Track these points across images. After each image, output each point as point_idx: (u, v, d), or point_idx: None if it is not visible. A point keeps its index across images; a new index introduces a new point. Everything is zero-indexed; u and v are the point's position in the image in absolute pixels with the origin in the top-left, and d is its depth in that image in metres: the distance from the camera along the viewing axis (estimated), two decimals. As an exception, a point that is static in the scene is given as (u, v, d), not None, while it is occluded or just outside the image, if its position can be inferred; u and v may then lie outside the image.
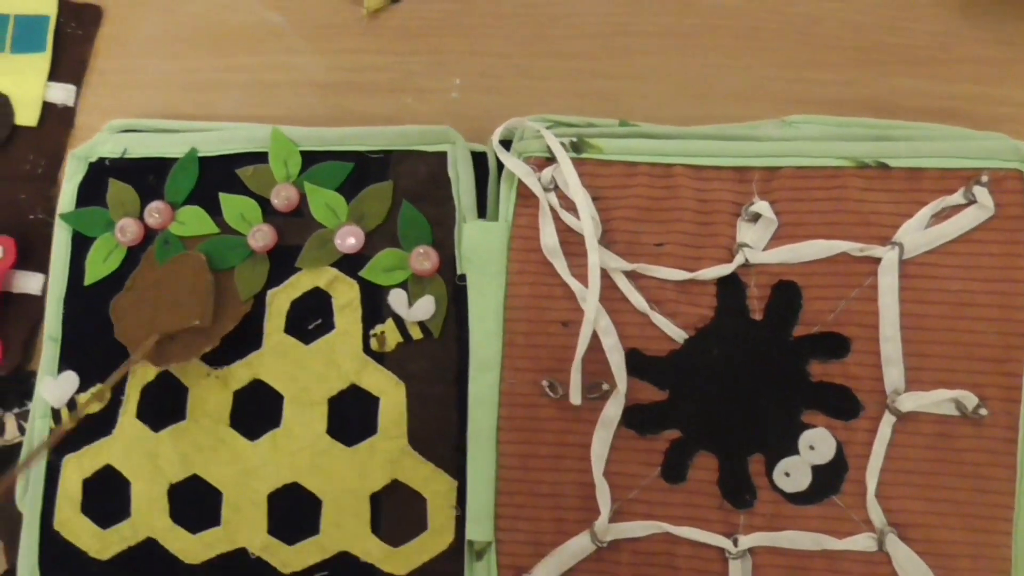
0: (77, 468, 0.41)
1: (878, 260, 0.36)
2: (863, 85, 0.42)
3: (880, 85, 0.42)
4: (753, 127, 0.40)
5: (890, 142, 0.38)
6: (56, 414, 0.42)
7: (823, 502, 0.36)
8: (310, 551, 0.39)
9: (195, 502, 0.40)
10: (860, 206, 0.37)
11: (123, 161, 0.43)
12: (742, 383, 0.37)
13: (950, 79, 0.42)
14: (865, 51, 0.42)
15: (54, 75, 0.47)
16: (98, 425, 0.41)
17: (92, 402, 0.41)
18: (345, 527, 0.39)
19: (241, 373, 0.41)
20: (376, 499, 0.39)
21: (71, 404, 0.42)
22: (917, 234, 0.36)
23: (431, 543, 0.38)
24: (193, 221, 0.42)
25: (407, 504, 0.39)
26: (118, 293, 0.42)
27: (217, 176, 0.42)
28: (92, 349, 0.42)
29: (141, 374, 0.41)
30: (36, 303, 0.45)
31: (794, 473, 0.36)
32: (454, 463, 0.39)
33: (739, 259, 0.37)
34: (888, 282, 0.36)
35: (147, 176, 0.43)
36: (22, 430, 0.43)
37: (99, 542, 0.41)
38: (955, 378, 0.36)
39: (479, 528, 0.38)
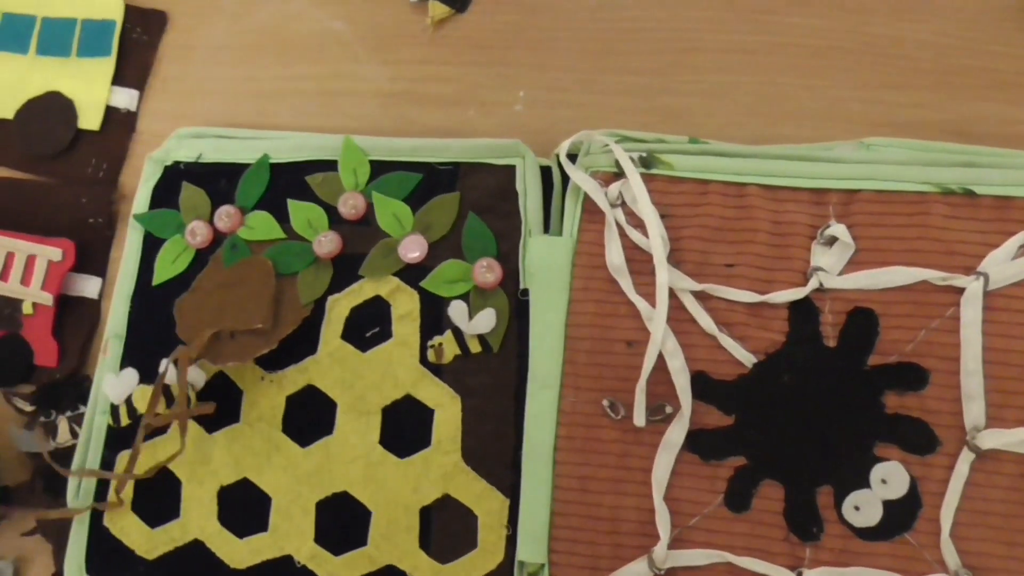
0: (131, 466, 0.41)
1: (961, 290, 0.35)
2: (943, 109, 0.41)
3: (960, 109, 0.41)
4: (829, 148, 0.39)
5: (977, 168, 0.36)
6: (115, 411, 0.42)
7: (894, 539, 0.35)
8: (357, 563, 0.39)
9: (244, 506, 0.40)
10: (943, 234, 0.36)
11: (197, 165, 0.44)
12: (813, 411, 0.36)
13: (1035, 105, 0.40)
14: (946, 74, 0.41)
15: (118, 80, 0.48)
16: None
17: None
18: (394, 540, 0.38)
19: (295, 378, 0.41)
20: (426, 513, 0.39)
21: (129, 402, 0.42)
22: (1004, 265, 0.35)
23: (480, 562, 0.38)
24: (261, 226, 0.42)
25: (458, 520, 0.38)
26: (184, 293, 0.42)
27: (287, 183, 0.43)
28: (155, 348, 0.42)
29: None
30: (93, 307, 0.45)
31: (864, 507, 0.35)
32: (507, 481, 0.38)
33: (813, 283, 0.36)
34: (971, 314, 0.35)
35: (219, 181, 0.44)
36: (74, 434, 0.43)
37: (147, 541, 0.40)
38: (1040, 416, 0.34)
39: (532, 549, 0.37)
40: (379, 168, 0.42)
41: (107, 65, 0.48)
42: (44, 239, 0.44)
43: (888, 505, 0.35)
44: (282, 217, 0.42)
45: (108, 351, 0.43)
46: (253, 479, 0.40)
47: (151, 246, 0.44)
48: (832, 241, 0.37)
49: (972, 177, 0.36)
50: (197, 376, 0.41)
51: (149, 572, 0.40)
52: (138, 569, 0.40)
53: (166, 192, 0.44)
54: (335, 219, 0.42)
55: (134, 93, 0.48)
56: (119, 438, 0.42)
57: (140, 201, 0.44)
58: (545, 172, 0.41)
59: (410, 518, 0.38)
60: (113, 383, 0.42)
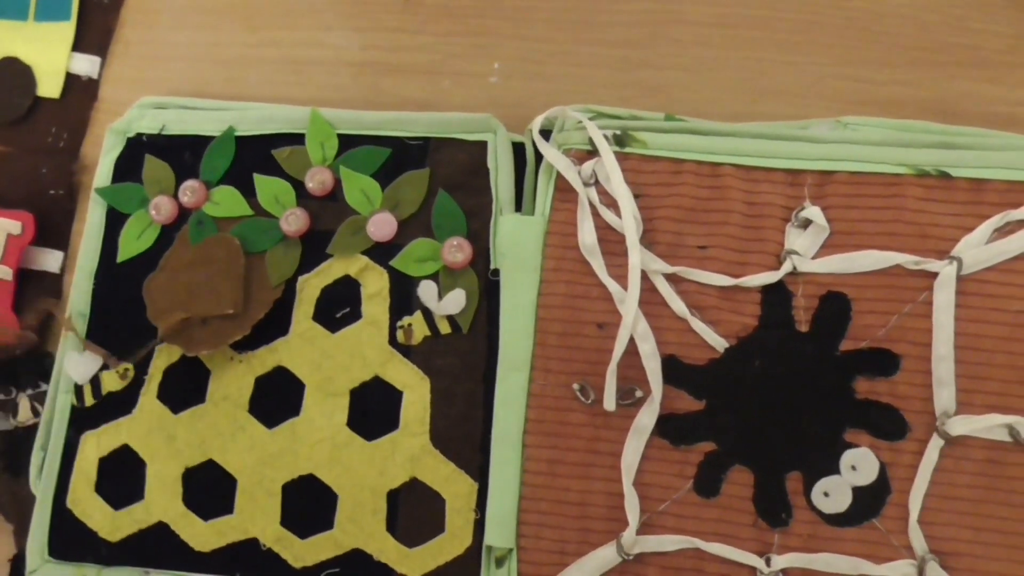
0: (95, 446, 0.41)
1: (934, 275, 0.35)
2: (925, 87, 0.40)
3: (943, 88, 0.40)
4: (806, 126, 0.38)
5: (953, 150, 0.36)
6: (79, 390, 0.41)
7: (862, 525, 0.34)
8: (323, 546, 0.38)
9: (209, 488, 0.39)
10: (918, 216, 0.35)
11: (160, 138, 0.43)
12: (783, 397, 0.35)
13: (1017, 84, 0.39)
14: (929, 51, 0.40)
15: (78, 45, 0.46)
16: (119, 404, 0.41)
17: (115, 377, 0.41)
18: (360, 524, 0.38)
19: (265, 358, 0.40)
20: (393, 497, 0.38)
21: (95, 381, 0.41)
22: (977, 249, 0.34)
23: (448, 546, 0.37)
24: (227, 201, 0.41)
25: (425, 504, 0.38)
26: (151, 272, 0.41)
27: (253, 156, 0.42)
28: (120, 327, 0.41)
29: (166, 354, 0.41)
30: (55, 281, 0.44)
31: (833, 493, 0.35)
32: (476, 464, 0.37)
33: (787, 267, 0.36)
34: (944, 298, 0.34)
35: (183, 153, 0.42)
36: (36, 412, 0.42)
37: (110, 523, 0.40)
38: (1010, 403, 0.34)
39: (499, 534, 0.36)
40: (347, 142, 0.41)
41: (66, 29, 0.46)
42: (2, 211, 0.43)
43: (857, 491, 0.35)
44: (248, 192, 0.41)
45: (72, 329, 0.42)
46: (218, 460, 0.39)
47: (115, 221, 0.42)
48: (806, 224, 0.36)
49: (948, 159, 0.35)
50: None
51: (113, 554, 0.40)
52: (101, 551, 0.40)
53: (129, 164, 0.43)
54: (302, 195, 0.41)
55: (95, 59, 0.46)
56: (84, 418, 0.41)
57: (102, 174, 0.43)
58: (518, 148, 0.40)
59: (377, 501, 0.38)
60: (76, 362, 0.41)
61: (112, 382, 0.41)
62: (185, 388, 0.40)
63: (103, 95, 0.46)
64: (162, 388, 0.40)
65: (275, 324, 0.40)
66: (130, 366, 0.41)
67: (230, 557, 0.39)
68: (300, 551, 0.38)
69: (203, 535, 0.39)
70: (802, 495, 0.35)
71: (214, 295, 0.40)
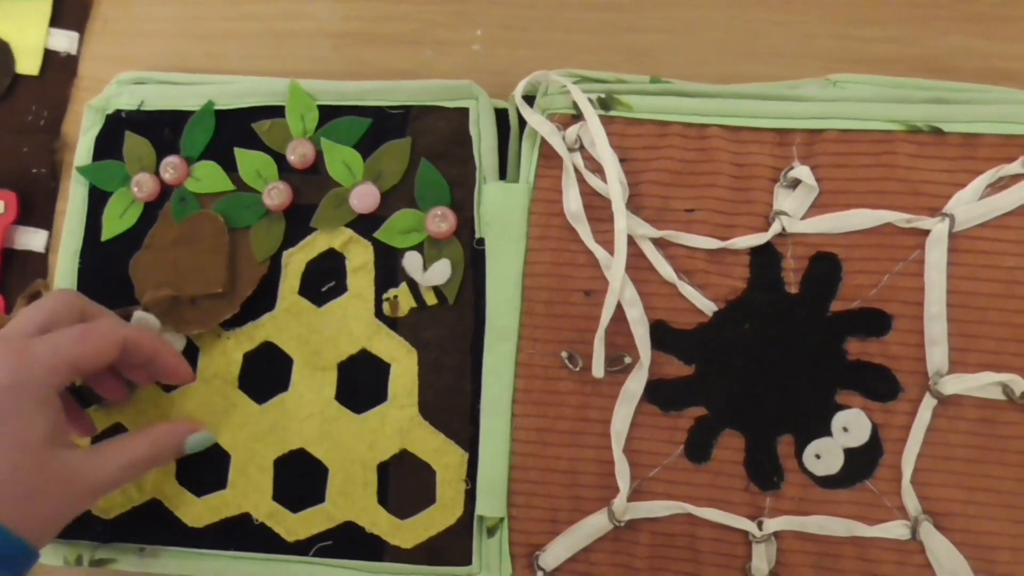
0: (88, 426, 0.40)
1: (926, 232, 0.34)
2: (916, 44, 0.39)
3: (936, 44, 0.39)
4: (794, 86, 0.37)
5: (945, 105, 0.35)
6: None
7: (855, 487, 0.34)
8: (315, 519, 0.38)
9: (202, 464, 0.39)
10: (909, 173, 0.34)
11: (139, 114, 0.42)
12: (774, 360, 0.35)
13: (1012, 38, 0.39)
14: (921, 7, 0.39)
15: (56, 21, 0.45)
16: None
17: None
18: (352, 497, 0.38)
19: (253, 334, 0.40)
20: (384, 469, 0.38)
21: None
22: (970, 205, 0.34)
23: (439, 517, 0.37)
24: (209, 177, 0.41)
25: (416, 475, 0.38)
26: (136, 251, 0.41)
27: (233, 130, 0.41)
28: (107, 306, 0.41)
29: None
30: (39, 261, 0.43)
31: (825, 456, 0.34)
32: (466, 435, 0.37)
33: (775, 228, 0.35)
34: (936, 256, 0.34)
35: (163, 129, 0.42)
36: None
37: (104, 501, 0.40)
38: (1003, 361, 0.33)
39: (490, 503, 0.36)
40: (328, 113, 0.40)
41: (43, 5, 0.45)
42: (-16, 190, 0.43)
43: (849, 453, 0.34)
44: (230, 167, 0.41)
45: None
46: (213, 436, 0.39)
47: (97, 199, 0.42)
48: (795, 184, 0.35)
49: (939, 114, 0.35)
50: (177, 340, 0.40)
51: (107, 532, 0.40)
52: (96, 529, 0.40)
53: (109, 142, 0.42)
54: (284, 168, 0.40)
55: (73, 35, 0.45)
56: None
57: (82, 152, 0.42)
58: (501, 115, 0.39)
59: (368, 474, 0.38)
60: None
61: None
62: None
63: (82, 72, 0.45)
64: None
65: (261, 299, 0.40)
66: None
67: (223, 532, 0.39)
68: (292, 525, 0.38)
69: (197, 511, 0.39)
70: (794, 458, 0.35)
71: (202, 275, 0.39)
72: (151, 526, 0.39)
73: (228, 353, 0.40)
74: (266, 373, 0.39)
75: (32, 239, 0.44)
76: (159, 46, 0.45)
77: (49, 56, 0.45)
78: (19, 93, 0.45)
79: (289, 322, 0.39)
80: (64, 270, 0.42)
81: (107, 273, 0.41)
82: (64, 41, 0.45)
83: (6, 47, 0.45)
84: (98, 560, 0.39)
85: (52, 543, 0.40)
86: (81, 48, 0.45)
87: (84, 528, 0.40)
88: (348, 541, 0.38)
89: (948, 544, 0.33)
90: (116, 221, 0.41)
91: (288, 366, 0.39)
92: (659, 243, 0.36)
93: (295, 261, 0.40)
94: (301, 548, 0.38)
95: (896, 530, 0.34)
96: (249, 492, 0.39)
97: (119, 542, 0.39)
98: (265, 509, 0.38)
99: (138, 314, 0.39)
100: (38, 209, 0.44)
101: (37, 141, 0.44)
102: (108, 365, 0.35)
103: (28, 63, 0.45)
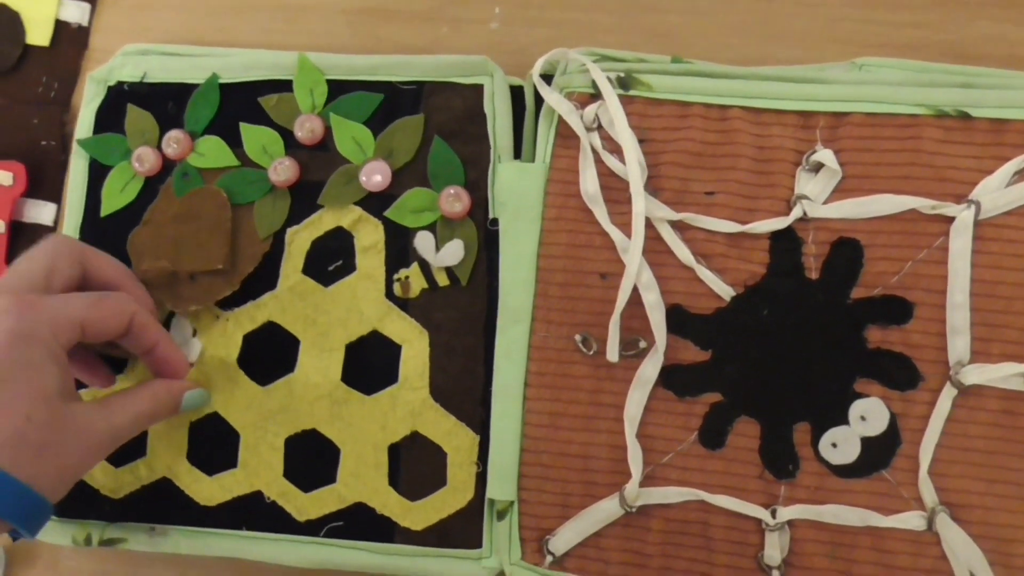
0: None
1: (951, 219, 0.33)
2: (943, 29, 0.38)
3: (964, 29, 0.38)
4: (819, 69, 0.36)
5: (974, 90, 0.34)
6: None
7: (871, 476, 0.34)
8: (326, 500, 0.38)
9: (214, 443, 0.39)
10: (935, 159, 0.34)
11: (142, 86, 0.41)
12: (792, 346, 0.34)
13: (1040, 24, 0.38)
14: (947, -10, 0.39)
15: (67, -8, 0.45)
16: (116, 362, 0.40)
17: None
18: (363, 478, 0.37)
19: (253, 315, 0.39)
20: (395, 451, 0.38)
21: None
22: (997, 193, 0.33)
23: (450, 500, 0.37)
24: (212, 152, 0.40)
25: (427, 458, 0.37)
26: (135, 227, 0.40)
27: (239, 105, 0.40)
28: None
29: (160, 312, 0.40)
30: (47, 234, 0.43)
31: (842, 444, 0.34)
32: (477, 418, 0.37)
33: (796, 212, 0.34)
34: (960, 244, 0.33)
35: (166, 102, 0.41)
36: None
37: (113, 481, 0.39)
38: (1027, 351, 0.33)
39: (501, 487, 0.36)
40: (337, 88, 0.39)
41: (55, -25, 0.45)
42: (-7, 162, 0.42)
43: (866, 442, 0.34)
44: (234, 142, 0.40)
45: None
46: (222, 414, 0.39)
47: (98, 173, 0.41)
48: (818, 167, 0.35)
49: (968, 99, 0.34)
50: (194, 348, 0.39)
51: (116, 511, 0.39)
52: (104, 509, 0.39)
53: (111, 115, 0.41)
54: (291, 144, 0.39)
55: (85, 6, 0.45)
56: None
57: (84, 124, 0.42)
58: (516, 93, 0.38)
59: (379, 456, 0.37)
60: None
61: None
62: (180, 347, 0.39)
63: (94, 44, 0.45)
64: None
65: (261, 278, 0.39)
66: None
67: (235, 511, 0.38)
68: (304, 504, 0.38)
69: (208, 490, 0.39)
70: (809, 446, 0.34)
71: (201, 250, 0.39)
72: (161, 505, 0.39)
73: (228, 334, 0.39)
74: (269, 354, 0.39)
75: (41, 212, 0.43)
76: (171, 19, 0.44)
77: (60, 27, 0.44)
78: (29, 64, 0.44)
79: (293, 302, 0.39)
80: (67, 245, 0.41)
81: (106, 249, 0.40)
82: (76, 12, 0.45)
83: (16, 17, 0.44)
84: (107, 540, 0.39)
85: (60, 522, 0.40)
86: (93, 19, 0.45)
87: (93, 507, 0.39)
88: (359, 522, 0.37)
89: (965, 536, 0.33)
90: (116, 196, 0.41)
91: (292, 347, 0.39)
92: (677, 226, 0.35)
93: (300, 239, 0.39)
94: (312, 528, 0.38)
95: (912, 521, 0.33)
96: (261, 471, 0.38)
97: (129, 521, 0.39)
98: (277, 488, 0.38)
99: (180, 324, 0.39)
100: (47, 182, 0.43)
101: (47, 113, 0.44)
102: (113, 337, 0.35)
103: (39, 34, 0.44)
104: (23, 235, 0.43)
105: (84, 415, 0.33)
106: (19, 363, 0.31)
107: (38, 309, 0.32)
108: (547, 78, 0.38)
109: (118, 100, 0.41)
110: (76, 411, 0.33)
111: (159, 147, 0.40)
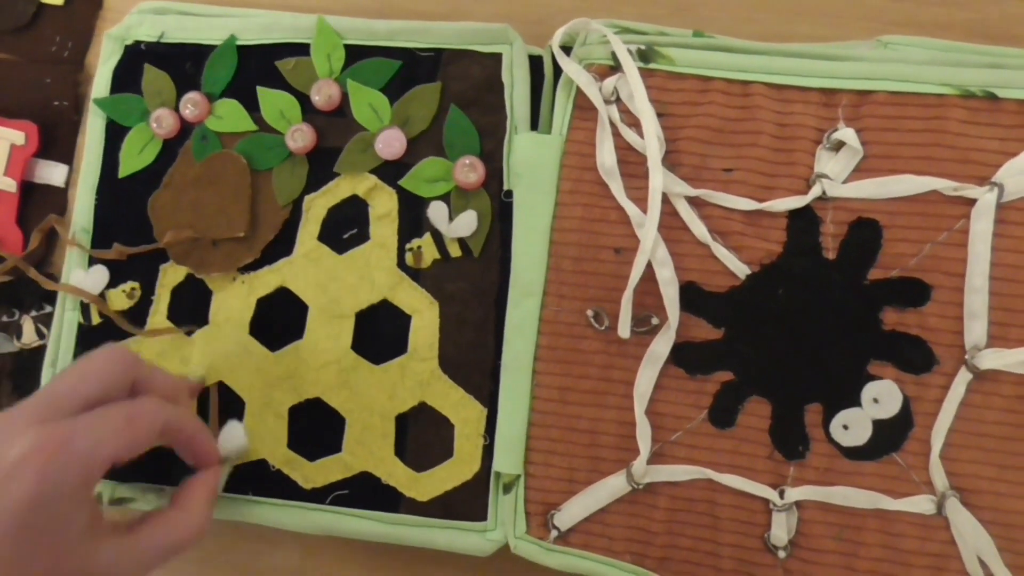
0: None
1: (972, 202, 0.33)
2: (970, 8, 0.38)
3: (991, 9, 0.38)
4: (844, 47, 0.36)
5: (1003, 70, 0.33)
6: (86, 308, 0.40)
7: (881, 459, 0.33)
8: (332, 468, 0.38)
9: (220, 409, 0.39)
10: (959, 140, 0.33)
11: (160, 45, 0.41)
12: (806, 326, 0.34)
13: (1072, 5, 0.37)
14: (977, -33, 0.38)
15: (81, -51, 0.44)
16: (120, 335, 0.40)
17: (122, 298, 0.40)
18: (369, 447, 0.37)
19: (268, 279, 0.39)
20: (402, 421, 0.37)
21: (101, 298, 0.40)
22: (1021, 176, 0.33)
23: (456, 471, 0.37)
24: (230, 116, 0.40)
25: (434, 429, 0.37)
26: (155, 190, 0.40)
27: (256, 67, 0.40)
28: (125, 244, 0.40)
29: (172, 274, 0.40)
30: (59, 195, 0.43)
31: (853, 426, 0.34)
32: (486, 390, 0.37)
33: (816, 191, 0.34)
34: (982, 227, 0.33)
35: (184, 63, 0.40)
36: (40, 334, 0.42)
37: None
38: (1045, 338, 0.32)
39: (508, 460, 0.36)
40: (355, 53, 0.39)
41: (68, -68, 0.44)
42: (5, 120, 0.42)
43: (878, 424, 0.34)
44: (252, 106, 0.40)
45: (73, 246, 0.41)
46: (228, 382, 0.39)
47: (115, 134, 0.41)
48: (839, 146, 0.34)
49: (996, 79, 0.33)
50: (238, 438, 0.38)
51: (125, 471, 0.39)
52: (115, 469, 0.39)
53: (128, 74, 0.41)
54: (308, 109, 0.39)
55: (100, -38, 0.44)
56: (91, 337, 0.40)
57: (100, 83, 0.41)
58: (535, 63, 0.38)
59: (386, 425, 0.37)
60: (82, 279, 0.40)
61: (119, 301, 0.40)
62: (193, 309, 0.40)
63: (108, 4, 0.44)
64: (171, 309, 0.40)
65: (278, 244, 0.39)
66: (136, 285, 0.40)
67: (239, 478, 0.38)
68: (309, 473, 0.38)
69: (214, 455, 0.39)
70: (820, 427, 0.34)
71: (224, 217, 0.39)
72: (168, 466, 0.39)
73: (242, 297, 0.39)
74: (280, 319, 0.39)
75: (52, 173, 0.43)
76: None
77: (74, -17, 0.44)
78: (43, 22, 0.44)
79: (307, 268, 0.39)
80: (82, 206, 0.41)
81: (124, 210, 0.40)
82: (90, -30, 0.44)
83: (30, -27, 0.44)
84: (118, 499, 0.39)
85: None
86: (107, -24, 0.44)
87: (100, 470, 0.40)
88: (364, 491, 0.37)
89: (974, 521, 0.32)
90: (135, 157, 0.41)
91: (302, 313, 0.39)
92: (694, 202, 0.35)
93: (317, 206, 0.39)
94: (318, 495, 0.38)
95: (922, 504, 0.33)
96: (265, 438, 0.38)
97: (137, 482, 0.39)
98: (281, 456, 0.38)
99: (231, 425, 0.38)
100: (59, 142, 0.43)
101: (60, 72, 0.43)
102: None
103: (53, -8, 0.44)
104: (34, 195, 0.43)
105: (108, 553, 0.31)
106: (44, 515, 0.29)
107: (69, 451, 0.29)
108: (567, 49, 0.37)
109: (135, 59, 0.41)
110: (102, 551, 0.31)
111: (177, 109, 0.40)
